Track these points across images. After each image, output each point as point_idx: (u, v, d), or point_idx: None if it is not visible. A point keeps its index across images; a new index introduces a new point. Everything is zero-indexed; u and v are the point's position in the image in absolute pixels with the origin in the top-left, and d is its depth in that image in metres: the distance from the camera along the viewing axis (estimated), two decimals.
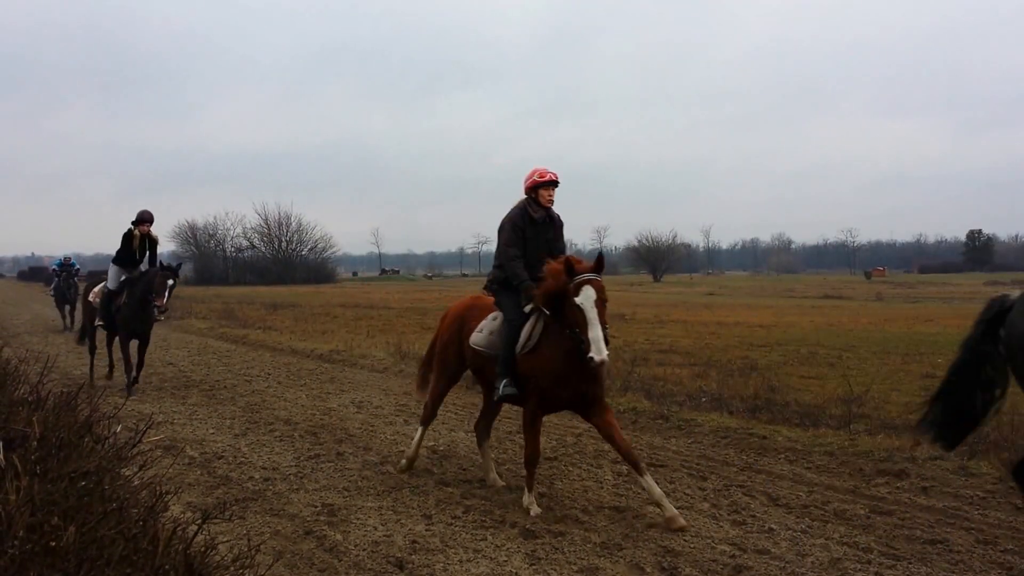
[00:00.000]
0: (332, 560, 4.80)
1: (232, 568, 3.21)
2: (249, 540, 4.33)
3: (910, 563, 4.71)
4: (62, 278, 22.07)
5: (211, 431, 8.49)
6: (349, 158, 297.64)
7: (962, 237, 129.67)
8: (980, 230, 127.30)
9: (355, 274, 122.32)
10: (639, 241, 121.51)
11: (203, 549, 3.13)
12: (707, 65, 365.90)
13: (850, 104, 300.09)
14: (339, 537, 5.18)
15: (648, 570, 4.60)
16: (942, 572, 4.58)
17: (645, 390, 10.29)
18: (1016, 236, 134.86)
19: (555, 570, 4.63)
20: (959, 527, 5.32)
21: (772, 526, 5.36)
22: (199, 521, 3.27)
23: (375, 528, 5.36)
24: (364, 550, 4.96)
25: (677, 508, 5.65)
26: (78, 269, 23.66)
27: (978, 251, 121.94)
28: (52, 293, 23.32)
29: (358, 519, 5.54)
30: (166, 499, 3.51)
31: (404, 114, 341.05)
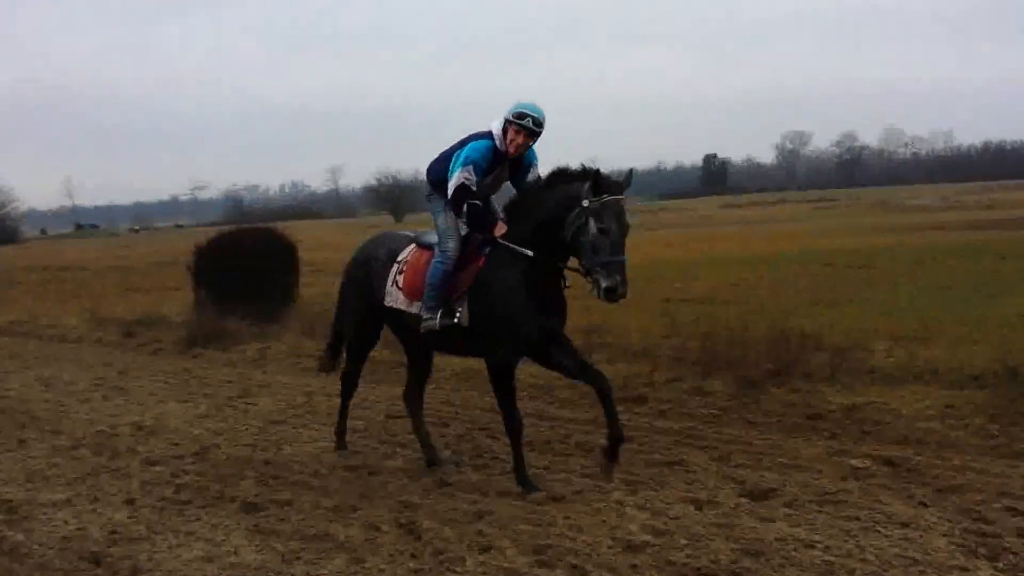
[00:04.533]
0: (12, 565, 4.21)
1: None
2: None
3: (649, 487, 4.85)
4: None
5: None
6: (39, 99, 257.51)
7: (699, 162, 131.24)
8: (715, 154, 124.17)
9: (44, 232, 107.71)
10: None
11: None
12: None
13: (584, 34, 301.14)
14: (20, 537, 4.55)
15: (385, 529, 4.40)
16: (679, 492, 4.76)
17: None
18: (748, 158, 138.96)
19: (280, 542, 4.32)
20: (695, 447, 5.60)
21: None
22: None
23: (66, 522, 4.73)
24: (52, 549, 4.38)
25: (390, 462, 5.47)
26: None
27: (714, 175, 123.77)
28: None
29: (45, 514, 4.87)
30: None
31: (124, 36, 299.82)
